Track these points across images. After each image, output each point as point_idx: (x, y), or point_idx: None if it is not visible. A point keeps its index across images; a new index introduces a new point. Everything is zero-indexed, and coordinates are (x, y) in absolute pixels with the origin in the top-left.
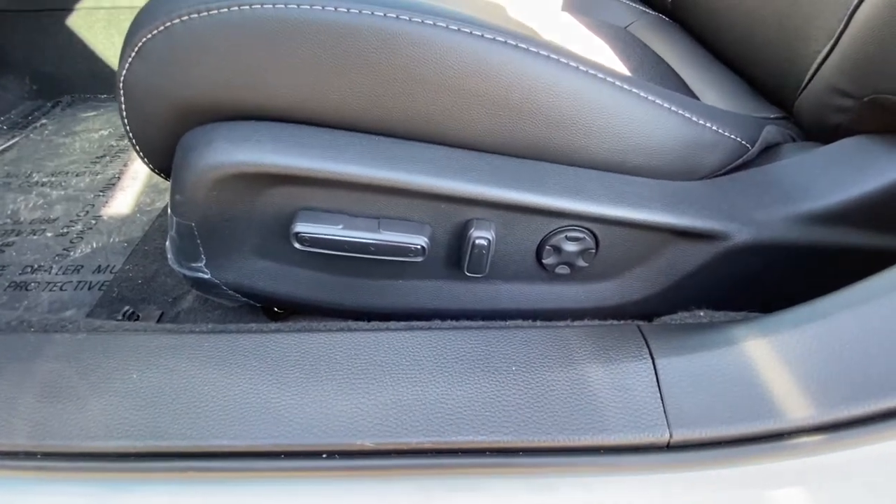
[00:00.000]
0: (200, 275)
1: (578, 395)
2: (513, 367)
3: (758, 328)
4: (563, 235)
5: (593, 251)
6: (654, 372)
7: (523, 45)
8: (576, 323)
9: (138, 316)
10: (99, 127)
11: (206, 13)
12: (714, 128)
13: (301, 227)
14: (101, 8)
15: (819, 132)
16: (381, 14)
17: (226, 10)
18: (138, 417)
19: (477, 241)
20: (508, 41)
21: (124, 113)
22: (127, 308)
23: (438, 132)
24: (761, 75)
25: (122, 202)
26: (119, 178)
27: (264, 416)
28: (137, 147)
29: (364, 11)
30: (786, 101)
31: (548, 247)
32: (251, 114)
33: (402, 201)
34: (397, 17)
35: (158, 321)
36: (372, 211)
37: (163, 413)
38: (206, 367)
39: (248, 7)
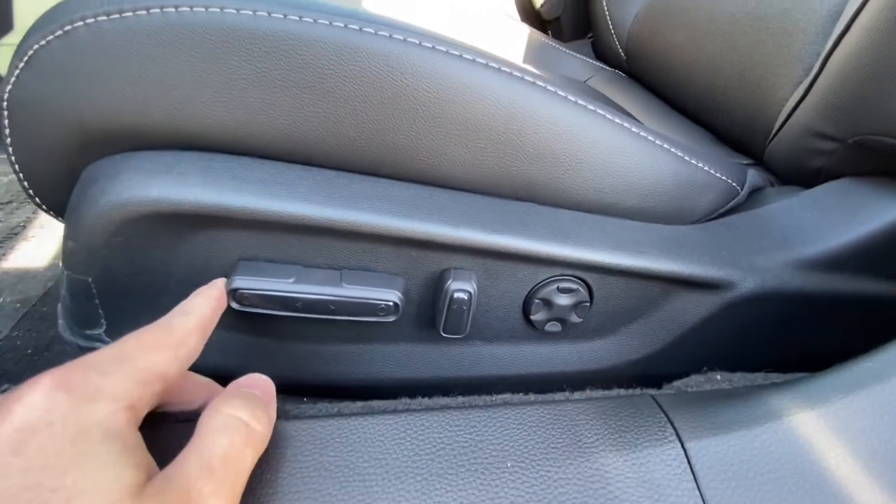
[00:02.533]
0: (99, 345)
1: (597, 496)
2: (508, 461)
3: (800, 396)
4: (553, 287)
5: (588, 304)
6: (686, 460)
7: (506, 69)
8: (576, 395)
9: None
10: (9, 171)
11: (117, 15)
12: (707, 168)
13: (241, 283)
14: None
15: (796, 176)
16: (342, 25)
17: (144, 12)
18: None
19: (456, 295)
20: (490, 63)
21: (8, 139)
22: (6, 386)
23: (408, 166)
24: (726, 125)
25: (23, 255)
26: (24, 226)
27: None
28: (26, 183)
29: (320, 21)
30: (754, 148)
31: (536, 300)
32: (175, 142)
33: (364, 248)
34: (360, 29)
35: None
36: (328, 261)
37: None
38: None
39: (172, 10)
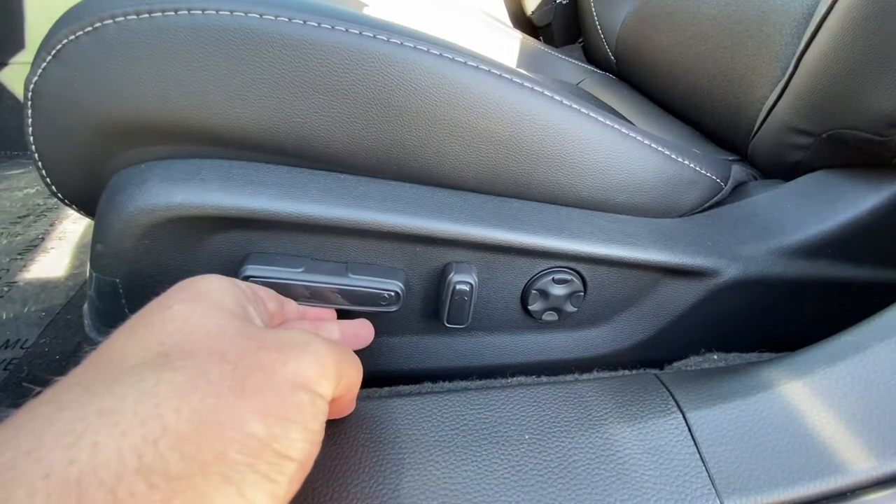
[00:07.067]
0: None
1: (607, 463)
2: (525, 434)
3: (789, 368)
4: (549, 278)
5: (582, 294)
6: (687, 427)
7: (507, 76)
8: (584, 376)
9: None
10: (24, 185)
11: (147, 15)
12: (692, 165)
13: (253, 271)
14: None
15: (777, 170)
16: (357, 32)
17: (172, 13)
18: None
19: (458, 287)
20: (492, 70)
21: (30, 128)
22: (37, 390)
23: (412, 165)
24: (711, 123)
25: (43, 266)
26: (43, 238)
27: None
28: (43, 171)
29: (337, 28)
30: (738, 145)
31: (533, 291)
32: (194, 139)
33: (372, 245)
34: (374, 36)
35: None
36: (336, 256)
37: None
38: None
39: (199, 12)
